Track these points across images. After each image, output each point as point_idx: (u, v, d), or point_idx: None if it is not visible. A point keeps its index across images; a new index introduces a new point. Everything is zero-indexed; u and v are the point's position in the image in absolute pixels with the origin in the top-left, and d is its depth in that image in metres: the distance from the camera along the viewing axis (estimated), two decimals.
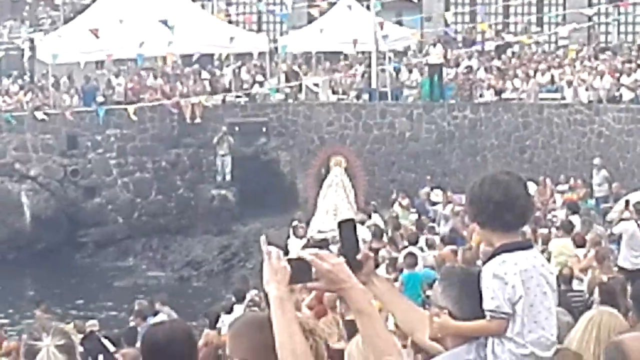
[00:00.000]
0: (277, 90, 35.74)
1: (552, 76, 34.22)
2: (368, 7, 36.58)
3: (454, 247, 19.02)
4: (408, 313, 4.72)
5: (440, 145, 34.14)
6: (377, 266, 19.12)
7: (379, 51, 35.86)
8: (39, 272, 32.35)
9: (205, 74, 37.74)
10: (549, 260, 16.43)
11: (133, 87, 36.36)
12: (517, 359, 4.41)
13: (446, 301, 4.48)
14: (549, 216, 24.16)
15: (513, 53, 38.53)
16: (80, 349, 12.83)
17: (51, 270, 31.77)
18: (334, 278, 3.95)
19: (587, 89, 32.33)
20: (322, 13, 37.51)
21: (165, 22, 31.56)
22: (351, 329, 3.72)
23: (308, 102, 35.68)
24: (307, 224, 26.57)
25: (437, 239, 21.74)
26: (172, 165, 34.90)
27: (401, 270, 18.00)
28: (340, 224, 4.36)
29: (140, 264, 33.55)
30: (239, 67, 38.37)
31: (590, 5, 41.91)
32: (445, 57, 35.00)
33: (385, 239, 22.36)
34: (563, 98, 33.00)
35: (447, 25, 39.21)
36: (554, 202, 26.78)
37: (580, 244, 18.17)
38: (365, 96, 35.81)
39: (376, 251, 20.65)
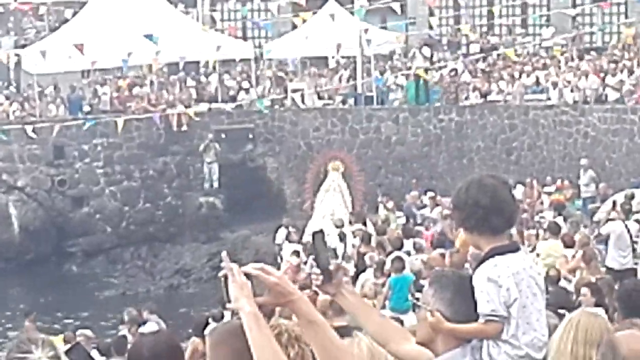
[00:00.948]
0: (264, 100, 35.29)
1: (537, 78, 34.24)
2: (352, 13, 36.61)
3: (442, 250, 19.04)
4: (380, 325, 4.73)
5: (427, 149, 34.15)
6: (364, 270, 19.22)
7: (364, 55, 35.91)
8: (28, 283, 32.27)
9: (190, 82, 37.73)
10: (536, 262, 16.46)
11: (119, 96, 36.31)
12: None
13: (439, 304, 4.50)
14: (537, 217, 24.19)
15: (498, 55, 38.61)
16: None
17: (40, 281, 31.67)
18: (282, 291, 3.88)
19: (572, 90, 32.40)
20: (305, 22, 37.54)
21: (150, 37, 31.50)
22: (340, 336, 3.67)
23: (294, 108, 35.66)
24: (300, 229, 26.54)
25: (424, 242, 21.75)
26: (159, 173, 34.85)
27: (389, 275, 18.02)
28: (312, 235, 4.38)
29: (129, 273, 33.46)
30: (226, 73, 38.35)
31: (574, 6, 42.03)
32: (430, 60, 35.01)
33: (373, 243, 22.34)
34: (548, 99, 33.04)
35: (431, 28, 39.28)
36: (542, 203, 26.77)
37: (569, 244, 18.19)
38: (351, 101, 35.80)
39: (362, 255, 20.71)
